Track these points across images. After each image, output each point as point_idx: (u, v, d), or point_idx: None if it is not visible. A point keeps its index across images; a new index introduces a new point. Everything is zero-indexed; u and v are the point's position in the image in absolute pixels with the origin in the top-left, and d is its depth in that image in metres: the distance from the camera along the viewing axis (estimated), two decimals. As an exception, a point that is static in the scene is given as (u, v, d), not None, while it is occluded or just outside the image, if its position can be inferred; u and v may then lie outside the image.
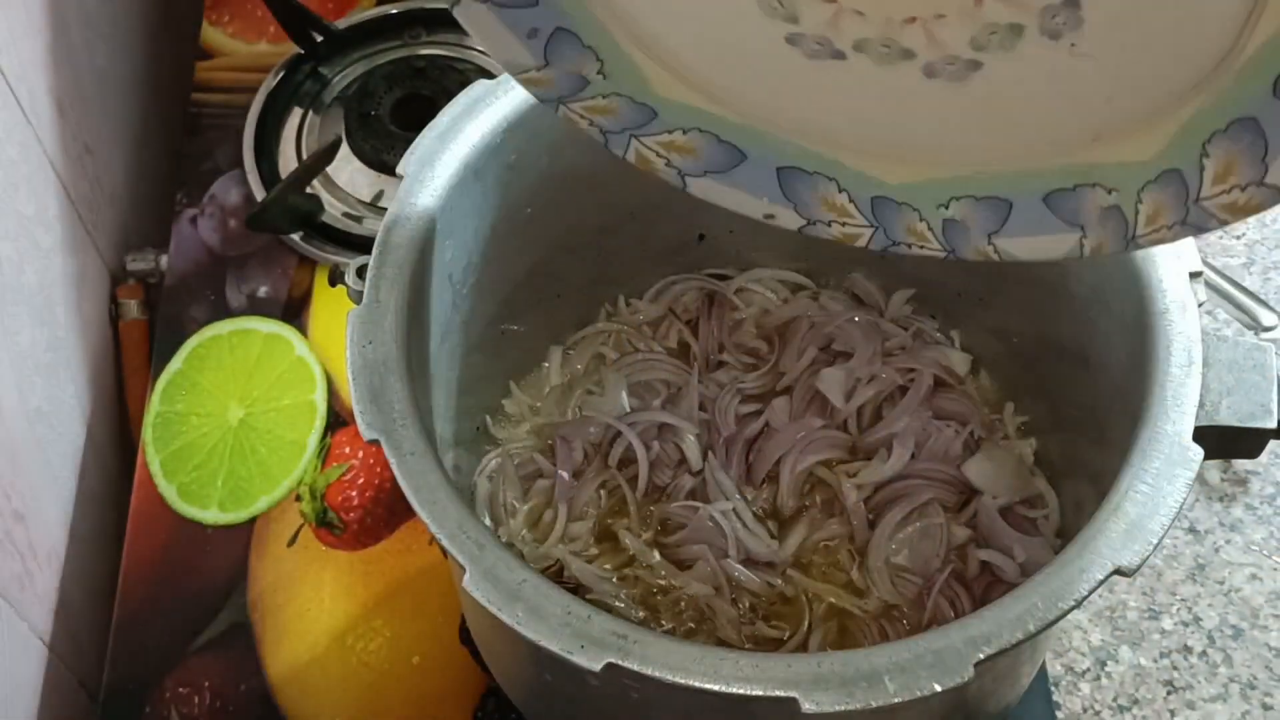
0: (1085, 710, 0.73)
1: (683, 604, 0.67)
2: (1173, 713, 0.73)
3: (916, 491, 0.69)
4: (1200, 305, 0.56)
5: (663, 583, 0.68)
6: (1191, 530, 0.78)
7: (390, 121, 0.92)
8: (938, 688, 0.47)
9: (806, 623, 0.66)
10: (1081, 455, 0.64)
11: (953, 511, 0.69)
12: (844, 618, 0.67)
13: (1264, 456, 0.58)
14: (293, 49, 0.97)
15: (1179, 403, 0.53)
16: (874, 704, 0.47)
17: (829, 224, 0.54)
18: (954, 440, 0.70)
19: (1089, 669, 0.74)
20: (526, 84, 0.54)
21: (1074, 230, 0.49)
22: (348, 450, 0.81)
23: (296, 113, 0.95)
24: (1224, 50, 0.41)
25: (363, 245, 0.87)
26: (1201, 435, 0.52)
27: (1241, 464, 0.80)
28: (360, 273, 0.59)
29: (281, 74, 0.96)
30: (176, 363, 0.85)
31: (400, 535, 0.78)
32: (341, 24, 0.98)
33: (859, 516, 0.68)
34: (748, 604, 0.67)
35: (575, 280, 0.74)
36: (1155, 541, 0.50)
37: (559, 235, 0.70)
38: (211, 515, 0.79)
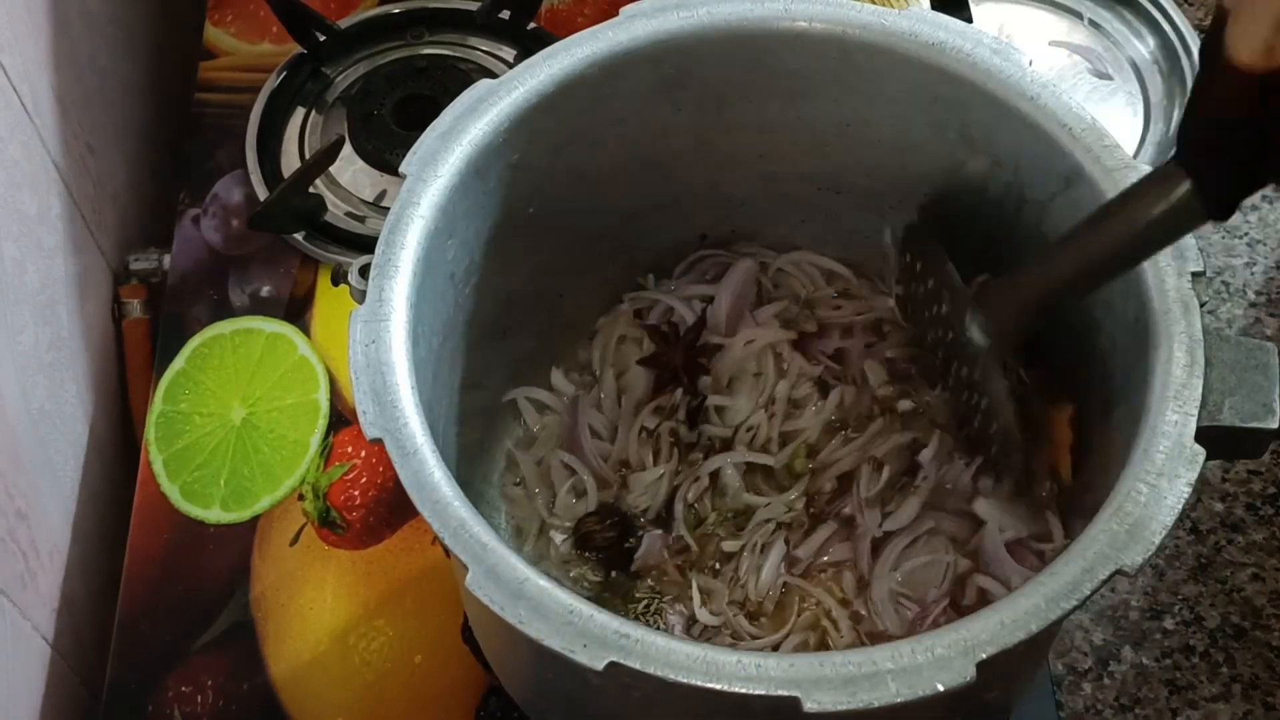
0: (1088, 710, 0.73)
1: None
2: (1175, 712, 0.73)
3: (922, 522, 0.68)
4: (1203, 305, 0.56)
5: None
6: (1194, 530, 0.78)
7: (393, 121, 0.92)
8: (940, 687, 0.47)
9: (788, 628, 0.66)
10: (1084, 455, 0.64)
11: (961, 543, 0.68)
12: (826, 630, 0.66)
13: (1266, 456, 0.58)
14: (295, 48, 0.97)
15: (1181, 403, 0.53)
16: (876, 704, 0.47)
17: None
18: (964, 473, 0.69)
19: (1091, 669, 0.74)
20: None
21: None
22: (350, 450, 0.81)
23: (299, 112, 0.96)
24: None
25: (365, 245, 0.87)
26: (1204, 435, 0.52)
27: (1244, 464, 0.80)
28: (363, 272, 0.59)
29: (284, 73, 0.96)
30: (179, 362, 0.85)
31: (402, 534, 0.78)
32: (344, 23, 0.98)
33: (863, 547, 0.68)
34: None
35: (577, 280, 0.74)
36: (1157, 542, 0.50)
37: (561, 235, 0.70)
38: (214, 514, 0.79)
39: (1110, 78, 0.95)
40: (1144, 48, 0.96)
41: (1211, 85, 0.49)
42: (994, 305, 0.62)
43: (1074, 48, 0.96)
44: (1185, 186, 0.52)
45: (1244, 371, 0.55)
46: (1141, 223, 0.54)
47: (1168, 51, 0.95)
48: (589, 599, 0.51)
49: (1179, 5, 0.96)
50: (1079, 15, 0.98)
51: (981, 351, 0.63)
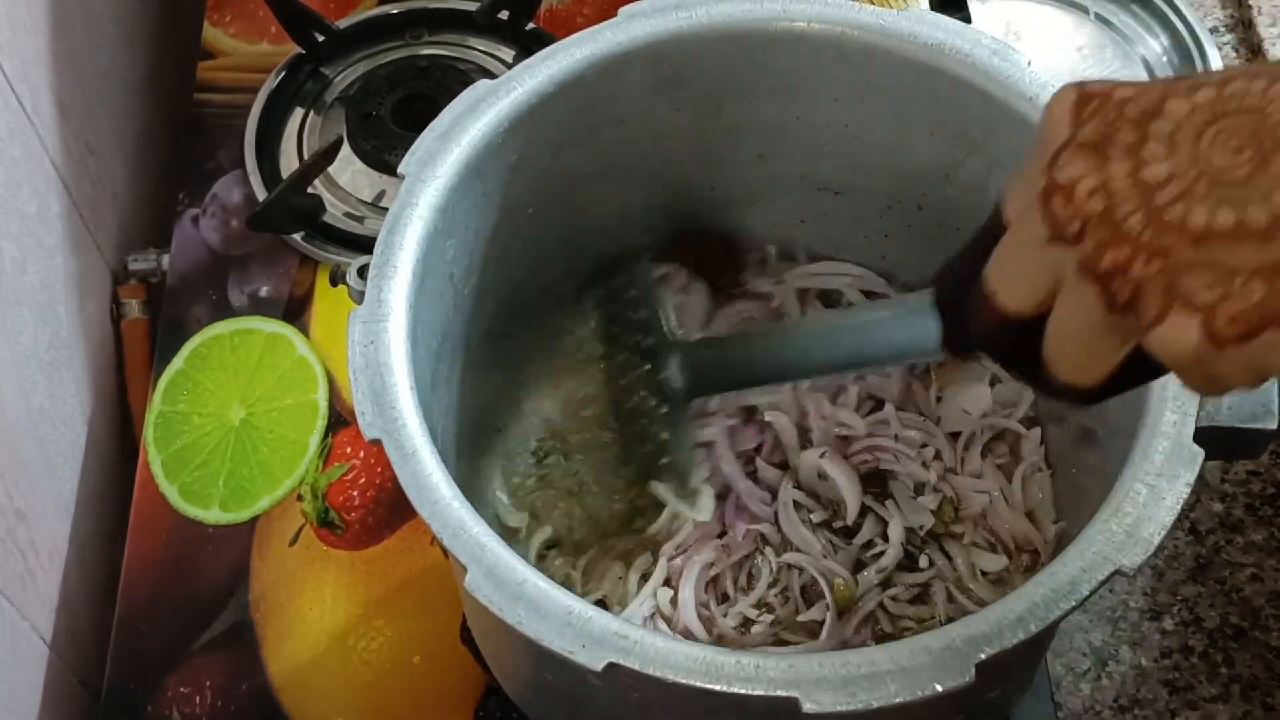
0: (1086, 710, 0.73)
1: None
2: (1174, 713, 0.73)
3: None
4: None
5: None
6: (1192, 530, 0.78)
7: (392, 121, 0.92)
8: (939, 688, 0.47)
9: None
10: (1083, 455, 0.64)
11: None
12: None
13: (1265, 457, 0.59)
14: (294, 49, 0.97)
15: (1180, 403, 0.53)
16: (875, 704, 0.47)
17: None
18: None
19: (1090, 669, 0.74)
20: None
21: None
22: (349, 450, 0.81)
23: (298, 113, 0.95)
24: None
25: (364, 245, 0.87)
26: (1203, 436, 0.52)
27: (1243, 464, 0.80)
28: (361, 273, 0.59)
29: (283, 74, 0.96)
30: (178, 362, 0.85)
31: (401, 535, 0.78)
32: (343, 24, 0.98)
33: None
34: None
35: (576, 280, 0.74)
36: (1155, 542, 0.50)
37: (560, 235, 0.70)
38: (213, 515, 0.79)
39: (1119, 74, 0.94)
40: (1156, 45, 0.96)
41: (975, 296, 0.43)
42: (696, 362, 0.63)
43: (1081, 44, 0.96)
44: (935, 327, 0.49)
45: (1243, 372, 0.55)
46: (886, 339, 0.55)
47: (1180, 50, 0.94)
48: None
49: (1191, 3, 0.96)
50: (1085, 10, 0.98)
51: (677, 395, 0.64)
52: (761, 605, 0.67)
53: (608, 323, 0.68)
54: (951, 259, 0.47)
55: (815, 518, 0.69)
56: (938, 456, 0.70)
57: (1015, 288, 0.40)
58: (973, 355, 0.52)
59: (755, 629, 0.66)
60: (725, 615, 0.67)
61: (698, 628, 0.66)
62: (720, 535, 0.69)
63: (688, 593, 0.66)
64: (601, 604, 0.68)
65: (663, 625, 0.66)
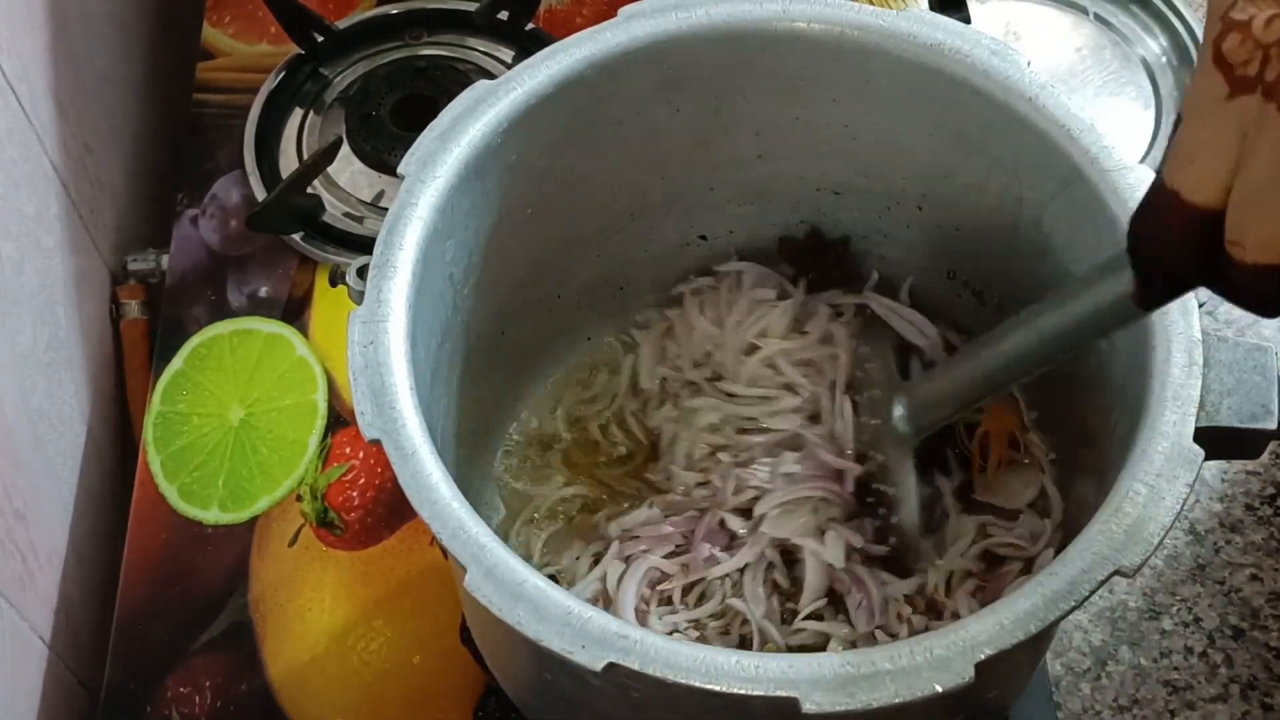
0: (1086, 710, 0.73)
1: None
2: (1173, 713, 0.73)
3: None
4: (1201, 306, 0.56)
5: None
6: (1192, 531, 0.78)
7: (391, 122, 0.92)
8: (939, 688, 0.47)
9: None
10: (1083, 456, 0.64)
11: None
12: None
13: (1264, 457, 0.59)
14: (293, 49, 0.97)
15: (1180, 403, 0.53)
16: (874, 704, 0.47)
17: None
18: None
19: (1089, 669, 0.74)
20: None
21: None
22: (348, 450, 0.81)
23: (297, 113, 0.96)
24: None
25: (364, 245, 0.87)
26: (1202, 436, 0.52)
27: (1242, 464, 0.80)
28: (361, 273, 0.59)
29: (282, 74, 0.96)
30: (177, 363, 0.85)
31: (401, 535, 0.78)
32: (342, 24, 0.98)
33: None
34: None
35: (576, 280, 0.74)
36: (1155, 543, 0.50)
37: (559, 235, 0.70)
38: (212, 515, 0.79)
39: (1119, 74, 0.95)
40: (1155, 45, 0.96)
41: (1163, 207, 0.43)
42: (921, 397, 0.64)
43: (1080, 45, 0.96)
44: (1127, 281, 0.50)
45: (1242, 372, 0.55)
46: (1080, 312, 0.54)
47: (1179, 50, 0.94)
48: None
49: (1190, 4, 0.96)
50: (1084, 11, 0.98)
51: (901, 439, 0.64)
52: (694, 624, 0.66)
53: (859, 385, 0.69)
54: (1140, 200, 0.46)
55: (780, 579, 0.66)
56: (915, 598, 0.66)
57: (1197, 172, 0.39)
58: (1167, 300, 0.51)
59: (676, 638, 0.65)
60: (660, 619, 0.66)
61: (631, 622, 0.65)
62: (680, 546, 0.68)
63: (630, 588, 0.66)
64: (555, 579, 0.67)
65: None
